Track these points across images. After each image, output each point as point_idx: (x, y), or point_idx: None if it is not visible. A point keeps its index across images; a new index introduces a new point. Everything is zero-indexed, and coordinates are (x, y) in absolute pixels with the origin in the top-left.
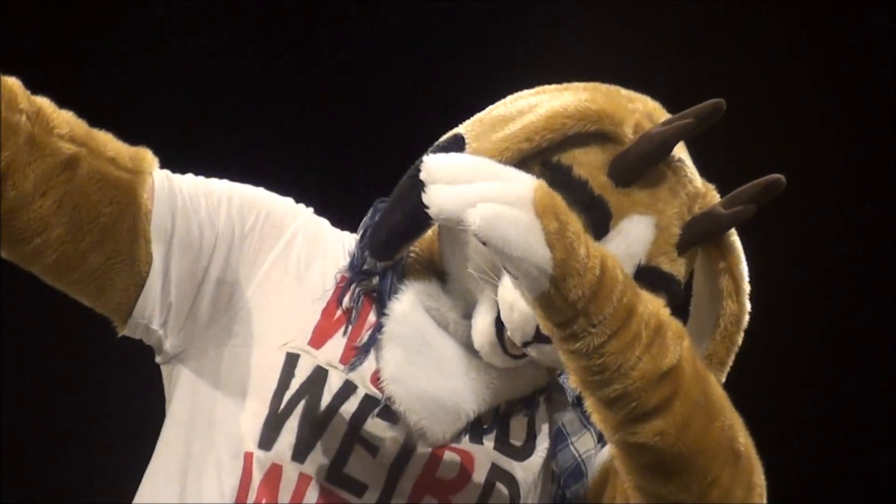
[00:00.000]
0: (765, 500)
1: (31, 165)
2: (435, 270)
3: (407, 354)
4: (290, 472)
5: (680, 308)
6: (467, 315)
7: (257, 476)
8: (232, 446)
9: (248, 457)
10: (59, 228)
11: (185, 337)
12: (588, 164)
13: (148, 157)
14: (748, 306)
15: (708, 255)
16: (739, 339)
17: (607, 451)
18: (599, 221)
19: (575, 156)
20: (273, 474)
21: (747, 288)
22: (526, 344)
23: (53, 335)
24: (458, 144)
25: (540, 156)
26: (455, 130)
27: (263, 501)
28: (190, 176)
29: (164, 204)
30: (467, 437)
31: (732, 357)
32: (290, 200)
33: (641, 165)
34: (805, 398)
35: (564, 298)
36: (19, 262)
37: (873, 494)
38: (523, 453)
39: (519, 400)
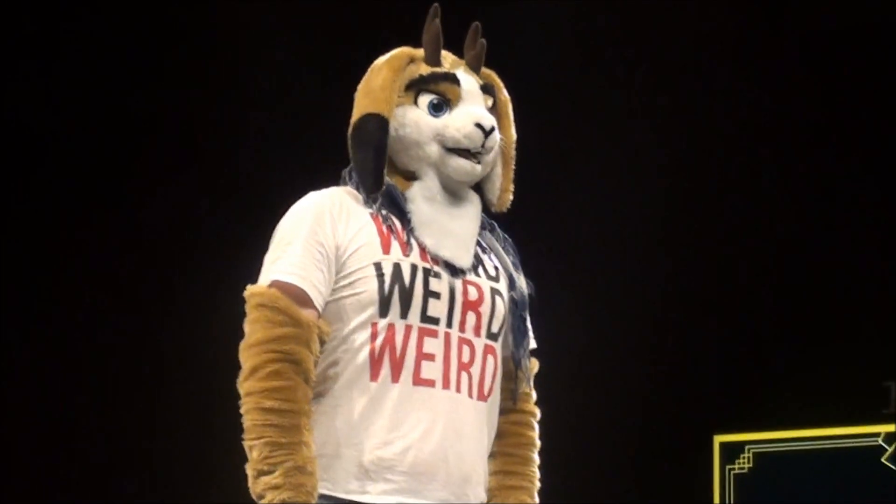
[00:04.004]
0: None
1: None
2: (409, 177)
3: (430, 229)
4: (399, 324)
5: None
6: (446, 187)
7: (381, 332)
8: (364, 319)
9: (374, 325)
10: None
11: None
12: (424, 68)
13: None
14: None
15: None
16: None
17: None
18: (454, 80)
19: (418, 69)
20: (391, 329)
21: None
22: (490, 131)
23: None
24: (376, 119)
25: (413, 86)
26: (363, 113)
27: (388, 345)
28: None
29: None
30: (473, 274)
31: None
32: (313, 218)
33: (434, 56)
34: None
35: None
36: None
37: None
38: (497, 279)
39: (479, 232)
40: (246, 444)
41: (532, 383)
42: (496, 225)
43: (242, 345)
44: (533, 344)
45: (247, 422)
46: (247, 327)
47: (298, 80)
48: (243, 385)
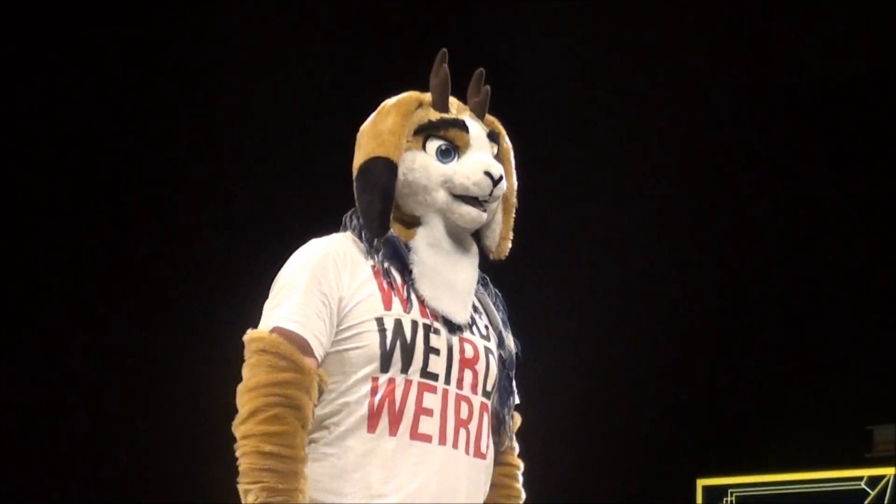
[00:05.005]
0: None
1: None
2: (411, 224)
3: (431, 281)
4: (400, 379)
5: None
6: (450, 234)
7: (381, 387)
8: (365, 374)
9: (375, 380)
10: None
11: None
12: (433, 114)
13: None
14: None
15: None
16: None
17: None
18: (463, 126)
19: (427, 115)
20: (391, 384)
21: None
22: (499, 180)
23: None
24: (384, 163)
25: (422, 131)
26: (371, 156)
27: (387, 399)
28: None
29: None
30: (468, 332)
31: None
32: (317, 266)
33: (442, 102)
34: None
35: None
36: None
37: None
38: (488, 338)
39: (477, 284)
40: (241, 486)
41: (514, 437)
42: (489, 280)
43: (241, 388)
44: (516, 400)
45: (244, 464)
46: (246, 371)
47: (303, 113)
48: (240, 427)
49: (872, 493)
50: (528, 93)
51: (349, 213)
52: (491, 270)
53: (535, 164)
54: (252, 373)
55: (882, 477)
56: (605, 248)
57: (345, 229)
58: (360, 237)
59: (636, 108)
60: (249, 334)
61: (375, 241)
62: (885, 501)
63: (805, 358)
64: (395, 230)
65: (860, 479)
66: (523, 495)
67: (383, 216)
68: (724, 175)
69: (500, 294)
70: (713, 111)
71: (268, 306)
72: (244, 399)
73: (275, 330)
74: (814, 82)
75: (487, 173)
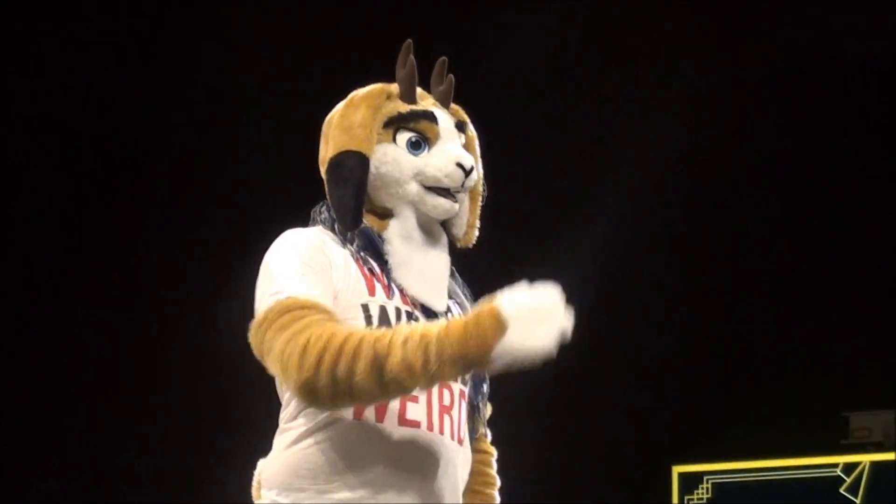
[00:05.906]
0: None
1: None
2: (383, 215)
3: (407, 270)
4: None
5: None
6: (421, 225)
7: None
8: None
9: None
10: None
11: None
12: (402, 106)
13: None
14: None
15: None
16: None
17: None
18: (433, 118)
19: (396, 107)
20: None
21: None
22: (470, 171)
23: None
24: (356, 157)
25: (392, 123)
26: (342, 150)
27: None
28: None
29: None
30: (443, 320)
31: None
32: (308, 247)
33: (410, 93)
34: None
35: None
36: None
37: None
38: None
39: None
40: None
41: (486, 425)
42: (455, 271)
43: (279, 350)
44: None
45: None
46: (273, 335)
47: (301, 112)
48: (304, 369)
49: (848, 480)
50: (505, 82)
51: (317, 207)
52: (462, 259)
53: (502, 150)
54: (282, 332)
55: (858, 464)
56: (579, 236)
57: (314, 224)
58: (332, 230)
59: (614, 98)
60: (263, 312)
61: (349, 233)
62: (861, 488)
63: (781, 345)
64: (368, 222)
65: (836, 465)
66: (498, 481)
67: (356, 210)
68: (701, 164)
69: (467, 284)
70: (696, 101)
71: (267, 289)
72: (289, 348)
73: (288, 297)
74: (812, 73)
75: (459, 165)
